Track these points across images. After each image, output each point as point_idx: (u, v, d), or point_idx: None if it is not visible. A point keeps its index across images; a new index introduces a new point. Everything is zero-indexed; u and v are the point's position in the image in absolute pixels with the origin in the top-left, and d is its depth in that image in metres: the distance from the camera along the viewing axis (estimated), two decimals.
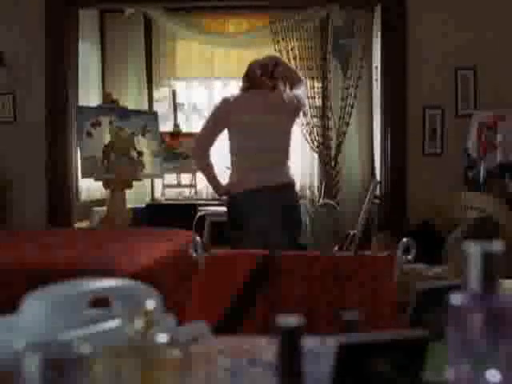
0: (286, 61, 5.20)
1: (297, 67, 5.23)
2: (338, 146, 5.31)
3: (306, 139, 5.34)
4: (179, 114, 5.62)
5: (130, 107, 5.08)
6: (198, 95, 5.88)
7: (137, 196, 5.28)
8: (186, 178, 5.63)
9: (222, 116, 3.10)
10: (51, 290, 0.78)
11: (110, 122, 4.53)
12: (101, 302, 0.80)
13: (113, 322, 0.79)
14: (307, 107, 5.24)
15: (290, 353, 0.66)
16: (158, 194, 5.71)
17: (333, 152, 5.34)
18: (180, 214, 4.96)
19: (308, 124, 5.31)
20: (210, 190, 5.32)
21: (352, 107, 5.24)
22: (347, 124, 5.27)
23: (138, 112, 4.97)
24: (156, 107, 5.63)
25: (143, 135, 4.66)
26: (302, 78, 3.48)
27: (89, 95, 5.28)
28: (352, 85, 5.22)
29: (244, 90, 3.19)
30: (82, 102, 4.91)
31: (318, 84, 5.36)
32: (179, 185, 5.64)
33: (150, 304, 0.71)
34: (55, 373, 0.65)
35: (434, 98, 4.37)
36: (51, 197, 4.47)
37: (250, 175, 3.04)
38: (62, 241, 2.93)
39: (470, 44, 4.31)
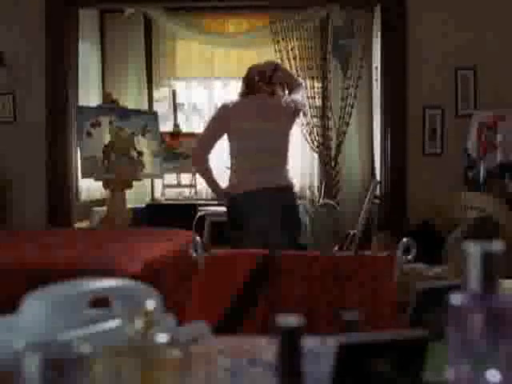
0: (286, 61, 5.22)
1: (297, 67, 5.24)
2: (338, 146, 5.31)
3: (306, 139, 5.34)
4: (179, 114, 5.62)
5: (130, 107, 5.08)
6: (198, 95, 5.88)
7: (137, 196, 5.28)
8: (186, 177, 5.63)
9: (222, 122, 3.15)
10: (51, 290, 0.78)
11: (110, 122, 4.53)
12: (101, 301, 0.80)
13: (113, 322, 0.79)
14: (307, 107, 5.24)
15: (290, 353, 0.66)
16: (158, 194, 5.71)
17: (333, 152, 5.34)
18: (180, 214, 4.96)
19: (308, 124, 5.31)
20: (210, 190, 5.33)
21: (352, 107, 5.24)
22: (347, 124, 5.27)
23: (138, 112, 4.97)
24: (156, 107, 5.63)
25: (143, 135, 4.66)
26: (302, 81, 3.51)
27: (89, 95, 5.28)
28: (352, 85, 5.22)
29: (243, 95, 3.23)
30: (82, 102, 4.91)
31: (317, 84, 5.36)
32: (179, 185, 5.64)
33: (150, 304, 0.71)
34: (55, 373, 0.65)
35: (434, 97, 4.37)
36: (51, 197, 4.46)
37: (249, 177, 3.07)
38: (61, 241, 2.93)
39: (469, 44, 4.31)
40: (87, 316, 0.78)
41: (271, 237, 2.96)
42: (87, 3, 4.74)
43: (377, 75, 4.90)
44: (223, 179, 3.31)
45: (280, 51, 5.25)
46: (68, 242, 2.91)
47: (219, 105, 3.34)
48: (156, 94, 5.77)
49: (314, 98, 5.33)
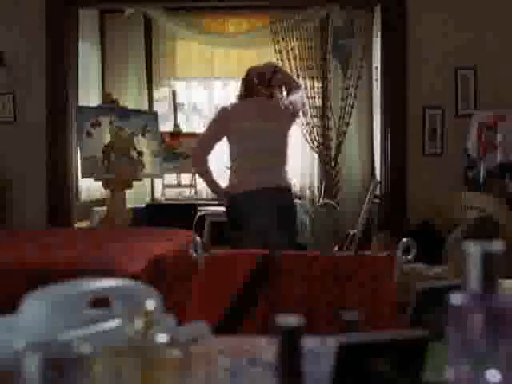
0: (286, 61, 5.22)
1: (297, 67, 5.24)
2: (338, 146, 5.32)
3: (306, 139, 5.34)
4: (179, 114, 5.62)
5: (130, 107, 5.08)
6: (198, 95, 5.88)
7: (137, 196, 5.28)
8: (185, 177, 5.63)
9: (222, 124, 3.18)
10: (51, 290, 0.78)
11: (110, 122, 4.53)
12: (101, 301, 0.80)
13: (113, 322, 0.79)
14: (307, 107, 5.24)
15: (290, 353, 0.66)
16: (158, 194, 5.71)
17: (333, 152, 5.34)
18: (180, 214, 4.96)
19: (308, 124, 5.31)
20: (210, 190, 5.33)
21: (352, 107, 5.24)
22: (347, 124, 5.27)
23: (138, 112, 4.97)
24: (156, 107, 5.63)
25: (143, 135, 4.66)
26: (300, 84, 3.54)
27: (89, 95, 5.28)
28: (352, 85, 5.22)
29: (241, 97, 3.28)
30: (82, 102, 4.91)
31: (317, 84, 5.36)
32: (179, 185, 5.64)
33: (150, 304, 0.71)
34: (55, 373, 0.65)
35: (434, 97, 4.37)
36: (51, 197, 4.46)
37: (249, 177, 3.10)
38: (61, 241, 2.93)
39: (469, 44, 4.31)
40: (87, 316, 0.78)
41: (271, 236, 2.98)
42: (87, 3, 4.74)
43: (377, 75, 4.90)
44: (223, 179, 3.33)
45: (280, 51, 5.25)
46: (68, 242, 2.91)
47: (219, 106, 3.40)
48: (156, 94, 5.77)
49: (314, 98, 5.33)
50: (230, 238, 3.15)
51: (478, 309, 0.61)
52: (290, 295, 1.83)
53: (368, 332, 0.69)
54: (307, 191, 5.56)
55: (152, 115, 4.98)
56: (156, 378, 0.67)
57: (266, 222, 3.02)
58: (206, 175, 3.26)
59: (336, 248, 4.37)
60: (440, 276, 2.60)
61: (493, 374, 0.59)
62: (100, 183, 4.60)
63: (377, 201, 4.60)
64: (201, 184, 5.54)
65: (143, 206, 5.29)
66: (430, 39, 4.35)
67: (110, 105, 4.82)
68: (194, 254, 1.88)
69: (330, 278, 1.84)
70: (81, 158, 4.44)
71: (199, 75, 5.82)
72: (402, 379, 0.68)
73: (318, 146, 5.34)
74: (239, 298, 1.83)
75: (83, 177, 4.55)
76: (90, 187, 5.05)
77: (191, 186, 5.61)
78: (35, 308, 0.75)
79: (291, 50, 5.27)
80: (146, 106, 5.63)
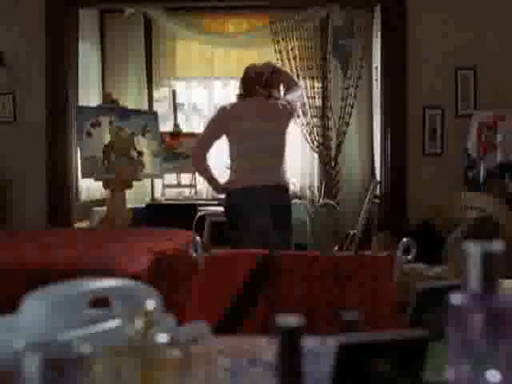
0: (286, 61, 5.22)
1: (297, 67, 5.24)
2: (338, 146, 5.32)
3: (306, 139, 5.34)
4: (179, 114, 5.62)
5: (130, 107, 5.08)
6: (198, 95, 5.88)
7: (137, 196, 5.28)
8: (185, 177, 5.63)
9: (221, 123, 3.23)
10: (51, 290, 0.78)
11: (110, 122, 4.53)
12: (101, 301, 0.80)
13: (113, 321, 0.79)
14: (307, 107, 5.25)
15: (290, 353, 0.66)
16: (158, 194, 5.71)
17: (333, 152, 5.34)
18: (180, 214, 4.96)
19: (308, 124, 5.31)
20: (210, 189, 5.33)
21: (352, 107, 5.24)
22: (347, 124, 5.27)
23: (138, 112, 4.97)
24: (156, 107, 5.63)
25: (143, 135, 4.66)
26: (299, 83, 3.57)
27: (89, 95, 5.28)
28: (352, 85, 5.22)
29: (240, 97, 3.32)
30: (82, 102, 4.90)
31: (317, 84, 5.36)
32: (179, 185, 5.64)
33: (150, 304, 0.71)
34: (55, 373, 0.65)
35: (434, 97, 4.37)
36: (51, 197, 4.46)
37: (248, 175, 3.15)
38: (61, 241, 2.93)
39: (469, 44, 4.30)
40: (87, 316, 0.78)
41: (268, 234, 3.02)
42: (87, 3, 4.74)
43: (377, 75, 4.90)
44: (224, 179, 3.34)
45: (280, 51, 5.25)
46: (68, 242, 2.91)
47: (218, 106, 3.44)
48: (156, 94, 5.77)
49: (314, 98, 5.33)
50: (230, 236, 3.17)
51: (477, 309, 0.61)
52: (290, 295, 1.83)
53: (368, 332, 0.69)
54: (307, 191, 5.56)
55: (152, 115, 4.98)
56: (156, 378, 0.67)
57: (264, 218, 3.08)
58: (206, 173, 3.30)
59: (336, 248, 4.37)
60: (440, 276, 2.60)
61: (493, 374, 0.59)
62: (100, 183, 4.60)
63: (377, 201, 4.60)
64: (201, 184, 5.55)
65: (143, 206, 5.29)
66: (430, 39, 4.35)
67: (110, 105, 4.82)
68: (194, 254, 1.88)
69: (329, 278, 1.84)
70: (81, 158, 4.44)
71: (199, 75, 5.82)
72: (401, 379, 0.68)
73: (318, 146, 5.34)
74: (239, 298, 1.83)
75: (83, 177, 4.55)
76: (90, 187, 5.04)
77: (191, 186, 5.61)
78: (35, 308, 0.75)
79: (291, 49, 5.27)
80: (146, 106, 5.63)
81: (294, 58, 5.27)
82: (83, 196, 5.02)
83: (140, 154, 4.61)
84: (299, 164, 5.62)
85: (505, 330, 0.60)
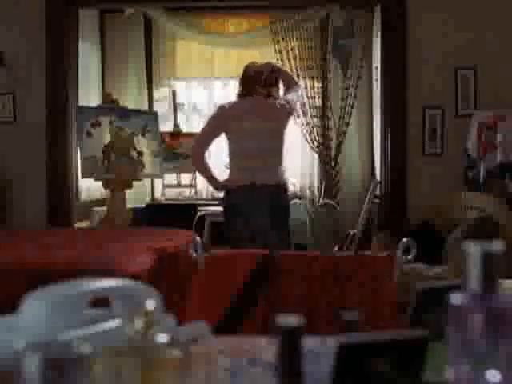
0: (286, 61, 5.22)
1: (297, 67, 5.24)
2: (338, 146, 5.31)
3: (306, 139, 5.34)
4: (179, 114, 5.62)
5: (130, 107, 5.08)
6: (198, 95, 5.88)
7: (137, 196, 5.28)
8: (185, 177, 5.63)
9: (220, 122, 3.25)
10: (51, 290, 0.78)
11: (110, 122, 4.53)
12: (101, 301, 0.80)
13: (113, 322, 0.79)
14: (307, 107, 5.25)
15: (290, 353, 0.66)
16: (158, 194, 5.71)
17: (333, 152, 5.34)
18: (180, 214, 4.96)
19: (308, 124, 5.31)
20: (210, 189, 5.34)
21: (352, 107, 5.24)
22: (347, 124, 5.27)
23: (138, 112, 4.97)
24: (156, 107, 5.63)
25: (143, 135, 4.66)
26: (299, 83, 3.59)
27: (89, 95, 5.28)
28: (352, 85, 5.22)
29: (240, 96, 3.33)
30: (82, 102, 4.90)
31: (317, 84, 5.36)
32: (179, 185, 5.64)
33: (150, 304, 0.71)
34: (55, 373, 0.65)
35: (434, 97, 4.37)
36: (51, 197, 4.46)
37: (246, 174, 3.16)
38: (61, 241, 2.93)
39: (469, 44, 4.30)
40: (87, 316, 0.78)
41: (265, 233, 3.04)
42: (87, 3, 4.74)
43: (377, 75, 4.90)
44: (223, 178, 3.36)
45: (280, 51, 5.25)
46: (68, 242, 2.91)
47: (217, 105, 3.45)
48: (156, 94, 5.77)
49: (314, 98, 5.33)
50: (230, 235, 3.19)
51: (478, 309, 0.61)
52: (290, 295, 1.83)
53: (368, 332, 0.69)
54: (307, 191, 5.56)
55: (152, 115, 4.98)
56: (156, 378, 0.67)
57: (262, 218, 3.11)
58: (205, 171, 3.32)
59: (336, 248, 4.37)
60: (440, 276, 2.60)
61: (493, 374, 0.59)
62: (100, 183, 4.60)
63: (377, 201, 4.60)
64: (201, 184, 5.55)
65: (143, 206, 5.29)
66: (430, 39, 4.35)
67: (110, 105, 4.82)
68: (194, 254, 1.88)
69: (330, 278, 1.84)
70: (81, 158, 4.44)
71: (199, 75, 5.82)
72: (401, 379, 0.68)
73: (318, 146, 5.34)
74: (239, 298, 1.83)
75: (83, 177, 4.54)
76: (90, 187, 5.04)
77: (191, 186, 5.61)
78: (35, 308, 0.75)
79: (291, 49, 5.27)
80: (146, 106, 5.63)
81: (294, 58, 5.27)
82: (83, 196, 5.02)
83: (140, 154, 4.61)
84: (299, 164, 5.62)
85: (505, 329, 0.60)
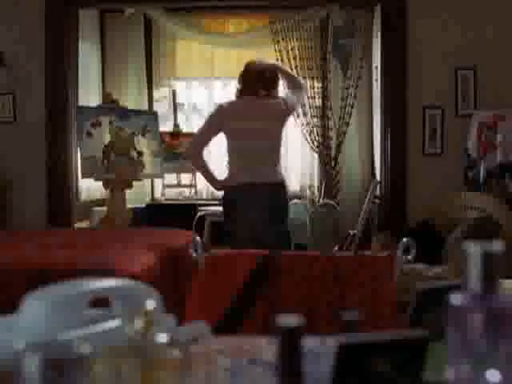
0: (286, 61, 5.22)
1: (297, 67, 5.24)
2: (338, 146, 5.31)
3: (306, 139, 5.34)
4: (179, 114, 5.62)
5: (130, 107, 5.08)
6: (198, 95, 5.88)
7: (137, 196, 5.28)
8: (185, 177, 5.63)
9: (217, 121, 3.26)
10: (51, 290, 0.78)
11: (110, 122, 4.53)
12: (101, 302, 0.80)
13: (113, 321, 0.79)
14: (307, 107, 5.25)
15: (290, 353, 0.66)
16: (158, 194, 5.71)
17: (333, 152, 5.34)
18: (180, 214, 4.96)
19: (308, 124, 5.31)
20: (210, 189, 5.34)
21: (352, 107, 5.24)
22: (347, 124, 5.27)
23: (138, 112, 4.97)
24: (156, 107, 5.63)
25: (143, 135, 4.66)
26: (303, 82, 3.61)
27: (89, 95, 5.27)
28: (352, 85, 5.22)
29: (238, 95, 3.34)
30: (82, 102, 4.90)
31: (317, 84, 5.36)
32: (179, 185, 5.64)
33: (150, 304, 0.71)
34: (55, 373, 0.65)
35: (433, 97, 4.37)
36: (51, 197, 4.46)
37: (244, 173, 3.18)
38: (61, 241, 2.93)
39: (469, 44, 4.31)
40: (87, 316, 0.78)
41: (262, 231, 3.07)
42: (87, 3, 4.74)
43: (377, 75, 4.90)
44: (223, 177, 3.37)
45: (280, 51, 5.25)
46: (68, 241, 2.91)
47: (216, 104, 3.48)
48: (156, 94, 5.77)
49: (314, 98, 5.33)
50: (229, 231, 3.20)
51: (477, 309, 0.60)
52: (290, 295, 1.83)
53: (368, 332, 0.69)
54: (307, 191, 5.56)
55: (152, 115, 4.98)
56: (156, 378, 0.67)
57: (262, 215, 3.11)
58: (203, 169, 3.33)
59: (336, 248, 4.37)
60: (440, 276, 2.60)
61: (493, 374, 0.59)
62: (100, 183, 4.59)
63: (377, 201, 4.60)
64: (201, 184, 5.55)
65: (143, 206, 5.29)
66: (430, 39, 4.35)
67: (109, 105, 4.82)
68: (194, 254, 1.88)
69: (329, 277, 1.84)
70: (81, 158, 4.44)
71: (199, 75, 5.82)
72: (401, 379, 0.68)
73: (318, 146, 5.34)
74: (239, 298, 1.83)
75: (83, 177, 4.54)
76: (90, 187, 5.04)
77: (191, 186, 5.61)
78: (35, 308, 0.75)
79: (291, 49, 5.27)
80: (146, 106, 5.63)
81: (294, 58, 5.27)
82: (83, 196, 5.02)
83: (140, 154, 4.61)
84: (299, 164, 5.62)
85: (505, 329, 0.60)
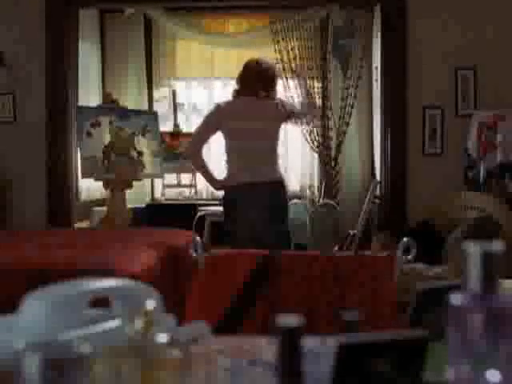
0: (286, 61, 5.22)
1: (297, 67, 5.24)
2: (338, 145, 5.31)
3: (306, 139, 5.34)
4: (179, 114, 5.62)
5: (130, 107, 5.08)
6: (198, 95, 5.88)
7: (137, 196, 5.27)
8: (186, 177, 5.63)
9: (215, 121, 3.29)
10: (51, 290, 0.78)
11: (110, 122, 4.53)
12: (101, 302, 0.80)
13: (113, 322, 0.79)
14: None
15: (290, 353, 0.66)
16: (158, 194, 5.71)
17: (333, 152, 5.33)
18: (180, 214, 4.96)
19: (308, 124, 5.31)
20: (210, 189, 5.34)
21: (352, 107, 5.24)
22: (347, 124, 5.26)
23: (138, 112, 4.97)
24: (156, 107, 5.63)
25: (143, 135, 4.66)
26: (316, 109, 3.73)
27: (89, 95, 5.27)
28: (352, 85, 5.22)
29: (235, 96, 3.36)
30: (82, 102, 4.90)
31: (318, 84, 5.36)
32: (179, 185, 5.64)
33: (150, 304, 0.71)
34: (55, 373, 0.65)
35: (433, 97, 4.37)
36: (51, 197, 4.46)
37: (243, 173, 3.20)
38: (61, 241, 2.93)
39: (469, 44, 4.30)
40: (87, 316, 0.78)
41: (262, 231, 3.08)
42: (87, 3, 4.74)
43: (377, 75, 4.90)
44: (223, 176, 3.38)
45: (280, 51, 5.25)
46: (68, 241, 2.91)
47: (214, 103, 3.49)
48: (156, 94, 5.77)
49: (314, 98, 5.33)
50: (230, 231, 3.21)
51: (477, 309, 0.60)
52: (290, 295, 1.83)
53: (368, 332, 0.69)
54: (307, 191, 5.56)
55: (152, 115, 4.98)
56: (156, 378, 0.67)
57: (262, 214, 3.13)
58: (203, 169, 3.35)
59: (336, 248, 4.37)
60: (440, 276, 2.60)
61: (493, 374, 0.59)
62: (100, 183, 4.59)
63: (377, 201, 4.60)
64: (201, 184, 5.55)
65: (143, 205, 5.29)
66: (430, 39, 4.35)
67: (109, 105, 4.82)
68: (194, 254, 1.88)
69: (329, 277, 1.84)
70: (81, 158, 4.44)
71: (199, 75, 5.82)
72: (401, 379, 0.68)
73: (318, 146, 5.33)
74: (239, 298, 1.83)
75: (83, 177, 4.54)
76: (90, 187, 5.04)
77: (191, 186, 5.61)
78: (35, 308, 0.75)
79: (291, 49, 5.27)
80: (146, 106, 5.62)
81: (294, 58, 5.27)
82: (83, 196, 5.02)
83: (140, 154, 4.61)
84: (299, 164, 5.62)
85: (505, 329, 0.60)
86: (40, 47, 4.41)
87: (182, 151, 5.33)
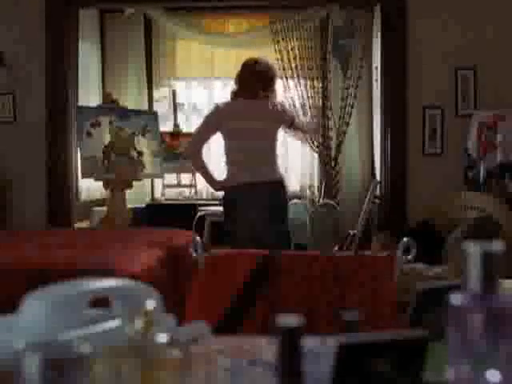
0: (286, 61, 5.22)
1: (297, 67, 5.24)
2: (338, 145, 5.31)
3: (306, 139, 5.34)
4: (179, 114, 5.62)
5: (130, 107, 5.08)
6: (198, 95, 5.88)
7: (137, 196, 5.27)
8: (185, 177, 5.63)
9: (214, 121, 3.31)
10: (51, 290, 0.78)
11: (110, 122, 4.53)
12: (101, 302, 0.80)
13: (113, 322, 0.79)
14: (307, 107, 5.24)
15: (290, 353, 0.66)
16: (158, 194, 5.71)
17: (333, 152, 5.33)
18: (180, 214, 4.96)
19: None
20: (210, 189, 5.33)
21: (352, 107, 5.24)
22: (347, 124, 5.26)
23: (138, 112, 4.97)
24: (156, 107, 5.63)
25: (143, 135, 4.66)
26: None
27: (89, 95, 5.27)
28: (352, 85, 5.21)
29: (234, 97, 3.38)
30: (82, 102, 4.90)
31: (318, 84, 5.35)
32: (179, 185, 5.64)
33: (150, 304, 0.71)
34: (55, 373, 0.65)
35: (433, 97, 4.37)
36: (51, 197, 4.46)
37: (243, 173, 3.21)
38: (62, 241, 2.93)
39: (469, 44, 4.30)
40: (87, 316, 0.78)
41: (262, 231, 3.08)
42: (87, 3, 4.74)
43: (377, 75, 4.90)
44: (222, 177, 3.38)
45: (280, 51, 5.24)
46: (68, 241, 2.91)
47: (214, 104, 3.51)
48: (156, 94, 5.76)
49: (314, 98, 5.33)
50: (229, 231, 3.22)
51: (477, 309, 0.60)
52: (290, 295, 1.83)
53: (368, 332, 0.69)
54: (307, 191, 5.56)
55: (152, 115, 4.98)
56: (156, 378, 0.67)
57: (262, 214, 3.14)
58: (203, 169, 3.36)
59: (336, 248, 4.37)
60: (440, 276, 2.60)
61: (493, 374, 0.59)
62: (100, 183, 4.59)
63: (377, 201, 4.60)
64: (201, 184, 5.54)
65: (143, 206, 5.29)
66: (430, 39, 4.35)
67: (109, 105, 4.81)
68: (194, 254, 1.88)
69: (329, 277, 1.84)
70: (81, 158, 4.44)
71: (199, 75, 5.81)
72: (402, 379, 0.68)
73: (318, 146, 5.33)
74: (239, 298, 1.83)
75: (83, 177, 4.54)
76: (90, 187, 5.04)
77: (191, 186, 5.61)
78: (35, 308, 0.75)
79: (291, 49, 5.27)
80: (146, 106, 5.62)
81: (294, 58, 5.26)
82: (83, 196, 5.02)
83: (140, 154, 4.61)
84: (299, 164, 5.62)
85: (505, 329, 0.60)
86: (40, 47, 4.41)
87: (181, 151, 5.33)
